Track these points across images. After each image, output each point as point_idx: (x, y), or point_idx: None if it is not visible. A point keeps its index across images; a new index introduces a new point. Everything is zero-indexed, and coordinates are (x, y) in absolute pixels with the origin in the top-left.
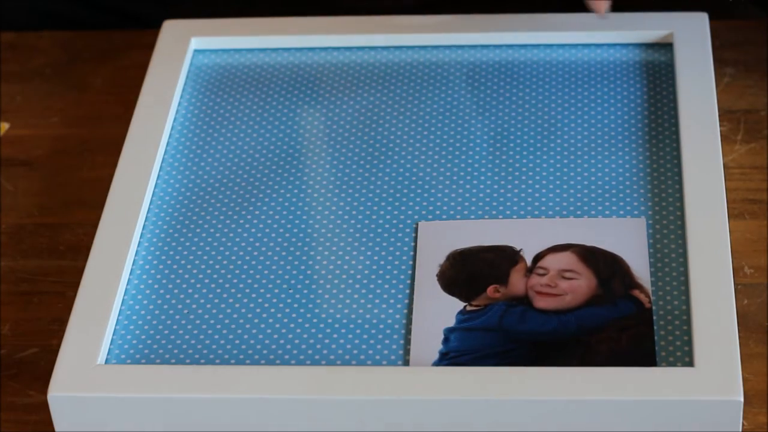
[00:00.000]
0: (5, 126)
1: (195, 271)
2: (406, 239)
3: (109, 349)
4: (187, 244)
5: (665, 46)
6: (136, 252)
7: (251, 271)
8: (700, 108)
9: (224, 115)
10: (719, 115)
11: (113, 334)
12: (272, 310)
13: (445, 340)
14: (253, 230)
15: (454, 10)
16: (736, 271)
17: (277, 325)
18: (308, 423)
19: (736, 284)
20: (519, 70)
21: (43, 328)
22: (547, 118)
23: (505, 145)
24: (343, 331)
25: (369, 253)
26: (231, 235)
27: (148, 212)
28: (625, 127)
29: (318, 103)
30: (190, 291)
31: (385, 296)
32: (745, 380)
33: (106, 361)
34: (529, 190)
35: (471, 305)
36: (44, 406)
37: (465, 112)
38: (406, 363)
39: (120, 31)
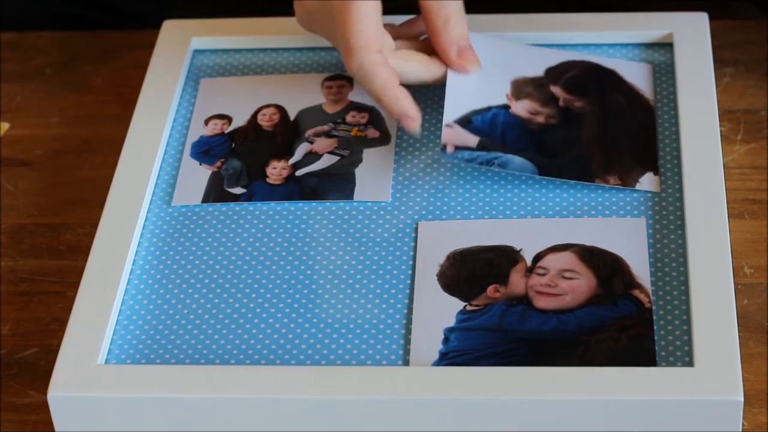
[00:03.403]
0: (5, 126)
1: (195, 271)
2: (406, 239)
3: (109, 349)
4: (187, 244)
5: (665, 46)
6: (136, 252)
7: (251, 271)
8: (700, 108)
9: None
10: (719, 115)
11: (113, 334)
12: (272, 310)
13: (445, 340)
14: (253, 230)
15: None
16: (736, 271)
17: (277, 325)
18: (308, 423)
19: (736, 284)
20: None
21: (43, 328)
22: None
23: None
24: (343, 331)
25: (369, 253)
26: (231, 235)
27: (148, 212)
28: None
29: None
30: (190, 291)
31: (385, 296)
32: (745, 380)
33: (106, 361)
34: (529, 190)
35: (471, 305)
36: (44, 406)
37: None
38: (406, 363)
39: (120, 31)
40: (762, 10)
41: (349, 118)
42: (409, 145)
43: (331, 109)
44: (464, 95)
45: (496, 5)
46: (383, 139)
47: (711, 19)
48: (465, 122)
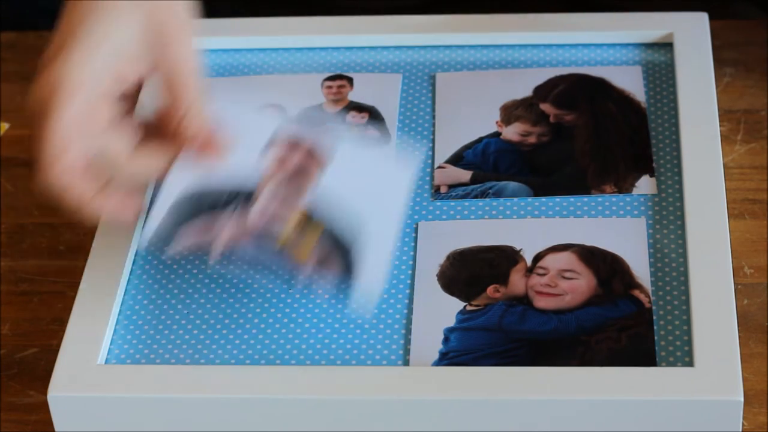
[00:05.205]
0: (5, 126)
1: (195, 271)
2: (406, 239)
3: (109, 349)
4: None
5: (665, 46)
6: (137, 251)
7: (251, 271)
8: (700, 108)
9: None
10: (719, 115)
11: (113, 334)
12: (272, 310)
13: (445, 340)
14: None
15: (454, 10)
16: (736, 271)
17: (277, 325)
18: (308, 423)
19: (736, 284)
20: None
21: (43, 328)
22: None
23: None
24: (343, 331)
25: None
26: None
27: (148, 211)
28: None
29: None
30: (190, 291)
31: (385, 296)
32: (745, 380)
33: (106, 361)
34: None
35: (471, 305)
36: (44, 406)
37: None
38: (406, 363)
39: None
40: (762, 10)
41: (349, 118)
42: (409, 146)
43: (331, 109)
44: (453, 134)
45: (496, 5)
46: (383, 139)
47: (711, 19)
48: (456, 159)
